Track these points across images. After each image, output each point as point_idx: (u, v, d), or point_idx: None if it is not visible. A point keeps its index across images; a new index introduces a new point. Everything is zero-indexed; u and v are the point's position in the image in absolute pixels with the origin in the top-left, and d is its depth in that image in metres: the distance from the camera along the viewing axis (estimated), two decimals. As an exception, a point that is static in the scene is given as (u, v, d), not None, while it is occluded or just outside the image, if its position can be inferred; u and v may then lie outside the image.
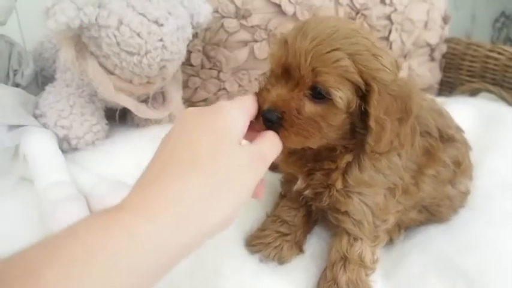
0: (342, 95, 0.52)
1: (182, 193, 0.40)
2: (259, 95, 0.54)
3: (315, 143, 0.56)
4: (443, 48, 1.39)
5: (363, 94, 0.53)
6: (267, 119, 0.52)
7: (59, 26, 0.73)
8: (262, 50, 1.10)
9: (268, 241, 0.70)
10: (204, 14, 0.94)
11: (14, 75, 0.94)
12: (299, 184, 0.64)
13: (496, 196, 0.84)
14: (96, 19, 0.77)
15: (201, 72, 1.13)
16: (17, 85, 0.94)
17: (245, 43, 1.11)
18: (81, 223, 0.37)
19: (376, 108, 0.52)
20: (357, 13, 1.16)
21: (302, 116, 0.52)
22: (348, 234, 0.65)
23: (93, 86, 0.87)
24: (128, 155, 0.88)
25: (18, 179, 0.79)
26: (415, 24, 1.25)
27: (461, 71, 1.39)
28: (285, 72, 0.53)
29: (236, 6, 1.07)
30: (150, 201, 0.39)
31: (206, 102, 1.17)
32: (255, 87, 0.63)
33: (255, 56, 1.11)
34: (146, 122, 1.00)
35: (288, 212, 0.71)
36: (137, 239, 0.36)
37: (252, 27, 1.09)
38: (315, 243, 0.74)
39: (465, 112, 1.11)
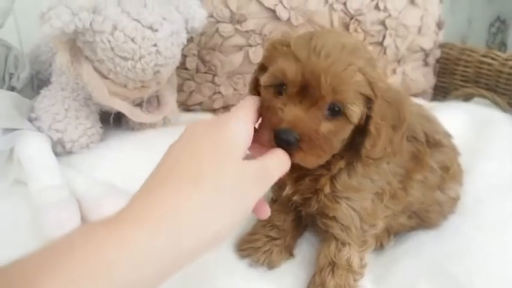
0: (357, 109, 0.52)
1: (180, 207, 0.40)
2: (270, 111, 0.53)
3: (326, 159, 0.56)
4: (437, 53, 1.39)
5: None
6: (282, 140, 0.50)
7: (54, 31, 0.74)
8: (257, 54, 1.11)
9: (258, 245, 0.70)
10: (199, 18, 0.94)
11: (10, 78, 0.95)
12: (287, 190, 0.64)
13: (487, 202, 0.84)
14: (90, 24, 0.78)
15: (196, 76, 1.14)
16: (12, 88, 0.95)
17: (240, 47, 1.12)
18: (79, 234, 0.37)
19: (376, 114, 0.54)
20: (351, 18, 1.17)
21: (319, 136, 0.52)
22: (336, 239, 0.65)
23: (87, 90, 0.87)
24: (122, 158, 0.89)
25: (12, 182, 0.79)
26: (409, 29, 1.26)
27: (455, 76, 1.40)
28: (300, 90, 0.52)
29: (231, 11, 1.07)
30: (149, 213, 0.39)
31: (201, 105, 1.18)
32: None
33: (250, 61, 1.12)
34: (141, 126, 1.00)
35: (278, 216, 0.72)
36: (134, 253, 0.36)
37: (247, 32, 1.10)
38: (305, 248, 0.74)
39: (458, 117, 1.12)
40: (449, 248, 0.74)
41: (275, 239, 0.71)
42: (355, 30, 1.18)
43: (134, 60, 0.81)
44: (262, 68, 0.57)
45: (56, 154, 0.85)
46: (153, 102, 1.01)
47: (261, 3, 1.09)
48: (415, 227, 0.77)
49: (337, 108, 0.52)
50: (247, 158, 0.47)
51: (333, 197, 0.62)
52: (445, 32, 1.46)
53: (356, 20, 1.17)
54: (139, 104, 0.97)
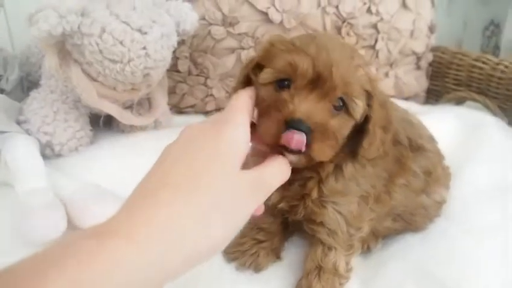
0: (361, 105, 0.54)
1: (174, 220, 0.39)
2: (274, 106, 0.52)
3: (335, 152, 0.55)
4: (430, 56, 1.40)
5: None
6: (297, 129, 0.49)
7: (41, 33, 0.74)
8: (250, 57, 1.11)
9: (245, 248, 0.70)
10: (191, 21, 0.95)
11: (-1, 80, 0.95)
12: (274, 198, 0.63)
13: (474, 205, 0.84)
14: (79, 27, 0.78)
15: (188, 79, 1.14)
16: (1, 91, 0.95)
17: (232, 50, 1.12)
18: (68, 245, 0.36)
19: (375, 113, 0.55)
20: (344, 22, 1.17)
21: (329, 128, 0.52)
22: (323, 243, 0.65)
23: (77, 93, 0.87)
24: (112, 161, 0.88)
25: (0, 184, 0.79)
26: (401, 33, 1.26)
27: (447, 79, 1.40)
28: (309, 84, 0.52)
29: (223, 13, 1.08)
30: (141, 226, 0.37)
31: (194, 108, 1.18)
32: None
33: (242, 63, 1.12)
34: (131, 128, 1.00)
35: (265, 219, 0.71)
36: (124, 269, 0.35)
37: (239, 34, 1.10)
38: (293, 251, 0.74)
39: (449, 121, 1.12)
40: (435, 251, 0.74)
41: (262, 241, 0.71)
42: (348, 34, 1.18)
43: (123, 63, 0.81)
44: (258, 66, 0.57)
45: (45, 157, 0.85)
46: (144, 104, 1.01)
47: (253, 6, 1.09)
48: (401, 231, 0.78)
49: (340, 104, 0.53)
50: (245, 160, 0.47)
51: (319, 202, 0.62)
52: (440, 35, 1.47)
53: (348, 23, 1.17)
54: (130, 107, 0.97)
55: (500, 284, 0.69)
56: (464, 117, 1.15)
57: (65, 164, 0.87)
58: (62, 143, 0.87)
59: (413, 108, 1.14)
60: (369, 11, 1.20)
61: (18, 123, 0.87)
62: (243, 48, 1.12)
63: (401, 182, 0.68)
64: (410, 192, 0.71)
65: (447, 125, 1.08)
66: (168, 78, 1.07)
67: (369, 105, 0.55)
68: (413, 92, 1.38)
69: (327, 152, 0.53)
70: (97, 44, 0.78)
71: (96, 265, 0.34)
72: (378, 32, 1.22)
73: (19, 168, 0.76)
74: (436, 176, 0.74)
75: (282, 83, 0.53)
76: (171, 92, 1.13)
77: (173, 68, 1.10)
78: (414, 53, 1.34)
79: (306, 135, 0.49)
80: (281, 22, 1.11)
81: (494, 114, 1.22)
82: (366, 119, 0.56)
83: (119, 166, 0.86)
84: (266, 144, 0.53)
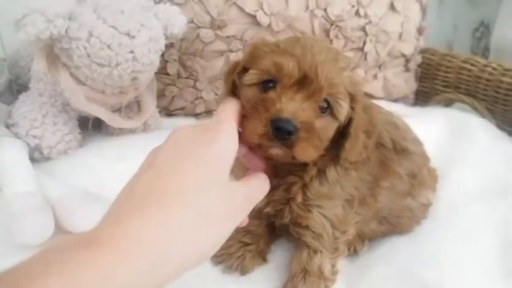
0: (346, 106, 0.55)
1: (164, 230, 0.38)
2: (259, 107, 0.52)
3: (319, 153, 0.55)
4: (418, 58, 1.41)
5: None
6: (281, 129, 0.49)
7: (28, 37, 0.75)
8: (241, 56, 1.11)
9: (231, 251, 0.71)
10: (179, 25, 0.95)
11: (-12, 84, 0.95)
12: (260, 203, 0.63)
13: (461, 207, 0.85)
14: (66, 31, 0.78)
15: (177, 82, 1.14)
16: (-10, 94, 0.95)
17: (221, 53, 1.12)
18: (54, 256, 0.34)
19: (357, 116, 0.56)
20: (332, 24, 1.17)
21: (314, 128, 0.52)
22: (308, 247, 0.66)
23: (65, 96, 0.88)
24: (101, 164, 0.88)
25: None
26: (389, 35, 1.27)
27: (436, 81, 1.41)
28: (294, 84, 0.52)
29: (211, 16, 1.08)
30: (128, 238, 0.36)
31: (183, 110, 1.18)
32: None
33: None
34: (121, 131, 1.00)
35: (251, 221, 0.72)
36: (112, 281, 0.34)
37: (228, 37, 1.11)
38: (279, 254, 0.75)
39: (437, 122, 1.13)
40: (421, 253, 0.75)
41: (248, 244, 0.72)
42: (336, 36, 1.19)
43: (111, 66, 0.81)
44: (243, 69, 0.57)
45: (34, 160, 0.85)
46: (133, 107, 1.01)
47: (242, 9, 1.09)
48: (387, 233, 0.78)
49: (325, 105, 0.53)
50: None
51: (305, 206, 0.63)
52: (430, 37, 1.47)
53: (337, 26, 1.18)
54: (118, 110, 0.97)
55: (486, 286, 0.70)
56: (452, 119, 1.16)
57: (53, 167, 0.87)
58: (51, 146, 0.88)
59: (402, 110, 1.16)
60: (357, 13, 1.20)
61: (7, 126, 0.87)
62: (231, 51, 1.12)
63: (386, 184, 0.69)
64: (396, 195, 0.71)
65: (436, 127, 1.09)
66: (157, 81, 1.07)
67: (352, 108, 0.56)
68: (402, 93, 1.39)
69: (311, 153, 0.53)
70: (85, 48, 0.79)
71: (90, 274, 0.33)
72: (367, 34, 1.23)
73: (8, 171, 0.76)
74: (421, 178, 0.75)
75: (267, 84, 0.54)
76: (161, 94, 1.13)
77: (162, 71, 1.10)
78: (403, 55, 1.34)
79: (292, 135, 0.50)
80: (269, 25, 1.11)
81: (483, 116, 1.23)
82: (349, 122, 0.57)
83: (108, 169, 0.85)
84: (250, 144, 0.53)
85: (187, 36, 1.08)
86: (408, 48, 1.34)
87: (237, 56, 1.12)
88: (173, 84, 1.15)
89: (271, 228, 0.74)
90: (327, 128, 0.55)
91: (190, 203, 0.40)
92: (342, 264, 0.71)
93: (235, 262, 0.70)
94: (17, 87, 1.03)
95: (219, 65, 1.13)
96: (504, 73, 1.24)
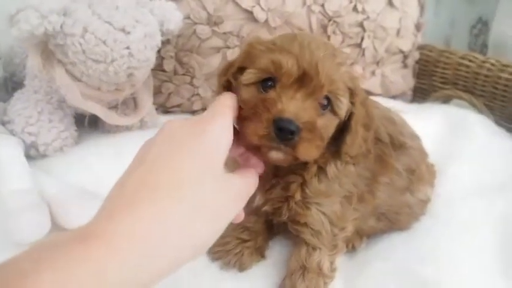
0: (346, 102, 0.54)
1: (156, 225, 0.37)
2: (258, 107, 0.51)
3: (321, 152, 0.55)
4: (416, 55, 1.40)
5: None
6: (284, 129, 0.49)
7: (22, 33, 0.74)
8: (235, 56, 1.11)
9: (229, 248, 0.70)
10: (175, 21, 0.94)
11: (-17, 81, 0.94)
12: (258, 200, 0.64)
13: (458, 203, 0.85)
14: (61, 27, 0.77)
15: (174, 78, 1.14)
16: (-15, 91, 0.94)
17: (218, 49, 1.12)
18: (45, 252, 0.34)
19: (357, 110, 0.56)
20: (329, 20, 1.17)
21: (317, 128, 0.52)
22: (307, 244, 0.65)
23: (61, 93, 0.87)
24: (98, 161, 0.88)
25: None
26: (387, 31, 1.26)
27: (434, 77, 1.40)
28: (294, 82, 0.51)
29: (208, 13, 1.07)
30: (119, 234, 0.36)
31: (180, 107, 1.17)
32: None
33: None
34: (117, 128, 1.00)
35: (249, 218, 0.71)
36: (105, 276, 0.34)
37: (224, 33, 1.10)
38: (277, 250, 0.75)
39: (435, 119, 1.13)
40: (419, 250, 0.75)
41: (246, 241, 0.71)
42: (333, 32, 1.18)
43: (106, 63, 0.80)
44: (238, 70, 0.56)
45: (30, 157, 0.84)
46: (129, 104, 1.00)
47: (238, 5, 1.09)
48: (385, 230, 0.78)
49: (326, 103, 0.53)
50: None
51: (303, 204, 0.62)
52: (428, 33, 1.47)
53: (334, 21, 1.17)
54: (115, 107, 0.96)
55: (484, 282, 0.70)
56: (450, 115, 1.16)
57: (49, 164, 0.86)
58: (47, 144, 0.87)
59: (400, 106, 1.15)
60: (354, 9, 1.19)
61: (3, 123, 0.87)
62: (228, 47, 1.11)
63: (385, 180, 0.69)
64: (394, 190, 0.71)
65: (434, 123, 1.09)
66: (153, 77, 1.06)
67: (352, 103, 0.56)
68: (400, 90, 1.39)
69: (313, 152, 0.53)
70: (80, 44, 0.78)
71: (83, 270, 0.33)
72: (364, 30, 1.22)
73: (3, 168, 0.76)
74: (419, 174, 0.74)
75: (266, 83, 0.53)
76: (157, 91, 1.13)
77: (159, 68, 1.09)
78: (401, 51, 1.34)
79: (295, 135, 0.49)
80: (266, 21, 1.11)
81: (481, 112, 1.23)
82: (349, 117, 0.57)
83: (104, 166, 0.85)
84: (249, 145, 0.52)
85: (183, 33, 1.07)
86: (406, 45, 1.34)
87: (234, 53, 1.11)
88: (170, 81, 1.14)
89: (269, 225, 0.74)
90: (328, 125, 0.55)
91: (185, 196, 0.40)
92: (340, 260, 0.71)
93: (233, 259, 0.70)
94: (12, 84, 1.02)
95: (215, 62, 1.12)
96: (502, 69, 1.23)
